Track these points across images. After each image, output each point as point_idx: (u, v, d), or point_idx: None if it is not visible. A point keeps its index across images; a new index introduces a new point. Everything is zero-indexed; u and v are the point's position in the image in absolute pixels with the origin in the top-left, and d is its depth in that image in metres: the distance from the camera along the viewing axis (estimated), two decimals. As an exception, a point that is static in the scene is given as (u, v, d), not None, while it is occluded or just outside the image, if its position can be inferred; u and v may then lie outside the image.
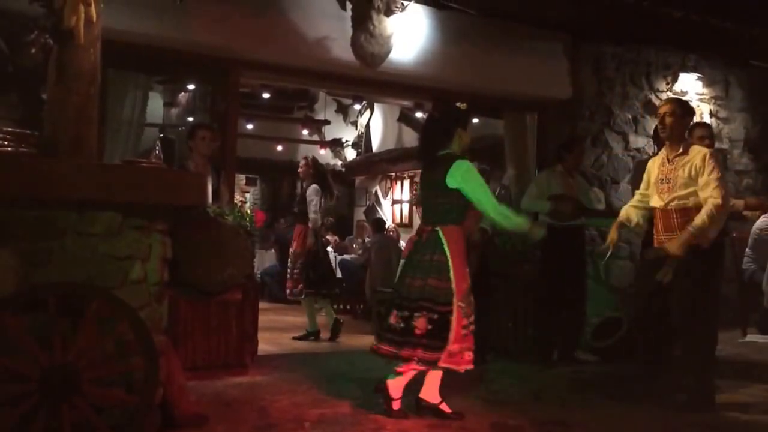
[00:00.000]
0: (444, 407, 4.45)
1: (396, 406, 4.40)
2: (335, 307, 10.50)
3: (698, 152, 4.77)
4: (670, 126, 4.84)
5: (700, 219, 4.59)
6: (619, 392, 5.15)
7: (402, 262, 4.65)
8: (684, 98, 7.88)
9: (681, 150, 4.83)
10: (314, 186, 7.64)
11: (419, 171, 11.79)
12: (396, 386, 4.41)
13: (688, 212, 4.72)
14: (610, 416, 4.67)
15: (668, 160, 4.87)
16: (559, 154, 6.62)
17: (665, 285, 4.71)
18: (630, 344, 6.35)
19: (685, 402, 4.78)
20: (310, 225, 7.55)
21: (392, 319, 4.39)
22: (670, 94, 7.98)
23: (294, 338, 7.61)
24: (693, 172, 4.70)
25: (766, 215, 7.23)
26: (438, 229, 4.38)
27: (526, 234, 4.62)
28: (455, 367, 4.30)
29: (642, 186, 5.12)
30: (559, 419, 4.55)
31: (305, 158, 8.11)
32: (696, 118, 8.06)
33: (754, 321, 7.09)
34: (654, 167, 5.00)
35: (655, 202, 4.90)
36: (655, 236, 4.95)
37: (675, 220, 4.77)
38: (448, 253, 4.30)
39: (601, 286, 7.23)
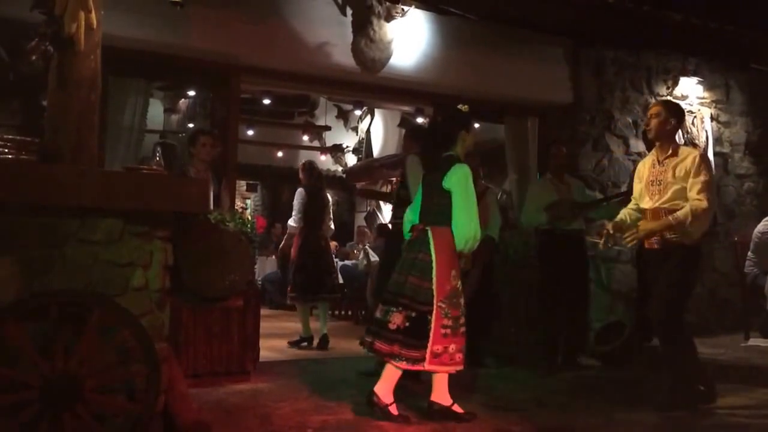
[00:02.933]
0: (456, 408, 4.46)
1: (393, 410, 4.40)
2: (337, 312, 10.55)
3: (689, 153, 4.81)
4: (654, 128, 4.90)
5: (683, 213, 4.65)
6: (623, 397, 5.14)
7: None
8: (684, 102, 7.95)
9: (670, 152, 4.86)
10: (299, 190, 7.57)
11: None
12: (384, 391, 4.43)
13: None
14: (614, 421, 4.66)
15: (659, 161, 4.90)
16: (544, 162, 6.64)
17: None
18: (632, 348, 6.36)
19: (665, 402, 4.77)
20: (288, 230, 7.54)
21: (377, 313, 4.50)
22: (671, 98, 7.98)
23: (289, 343, 7.57)
24: (682, 173, 4.74)
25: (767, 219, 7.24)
26: (428, 229, 4.45)
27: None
28: (444, 368, 4.33)
29: (634, 192, 5.13)
30: (563, 425, 4.54)
31: (302, 164, 8.05)
32: (697, 122, 8.12)
33: (756, 325, 7.09)
34: (644, 169, 5.03)
35: (646, 203, 4.92)
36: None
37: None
38: (433, 254, 4.37)
39: (603, 290, 7.22)
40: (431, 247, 4.38)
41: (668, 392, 4.81)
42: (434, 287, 4.32)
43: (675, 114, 4.95)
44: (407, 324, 4.31)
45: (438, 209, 4.47)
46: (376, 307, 4.58)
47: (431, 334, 4.28)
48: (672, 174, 4.77)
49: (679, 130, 7.75)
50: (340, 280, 10.41)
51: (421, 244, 4.44)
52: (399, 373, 4.43)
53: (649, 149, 5.11)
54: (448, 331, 4.31)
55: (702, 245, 4.92)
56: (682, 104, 8.00)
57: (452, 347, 4.32)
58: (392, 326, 4.34)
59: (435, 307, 4.30)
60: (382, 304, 4.50)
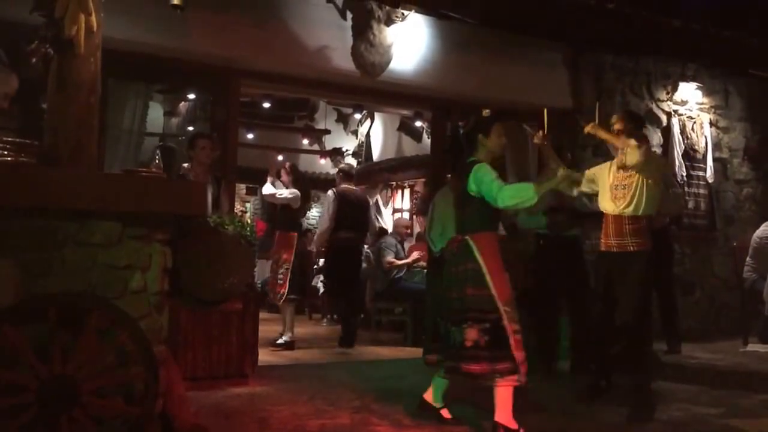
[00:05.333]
0: (445, 413, 4.52)
1: (446, 414, 4.50)
2: (335, 317, 10.54)
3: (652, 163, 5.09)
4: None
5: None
6: (623, 401, 5.14)
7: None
8: (683, 107, 7.98)
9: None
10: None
11: (420, 180, 11.76)
12: (507, 417, 4.21)
13: (639, 219, 4.99)
14: (615, 426, 4.66)
15: (623, 168, 5.06)
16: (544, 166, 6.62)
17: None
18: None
19: (631, 415, 4.80)
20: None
21: (449, 339, 4.27)
22: (671, 104, 8.01)
23: (275, 346, 7.56)
24: (645, 181, 4.95)
25: (767, 224, 7.25)
26: (467, 237, 4.32)
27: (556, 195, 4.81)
28: (523, 380, 4.16)
29: (587, 175, 5.29)
30: (563, 429, 4.54)
31: (284, 166, 8.09)
32: (696, 128, 8.14)
33: (755, 330, 7.08)
34: (604, 173, 5.19)
35: (608, 207, 5.09)
36: (603, 240, 5.17)
37: (627, 226, 4.99)
38: (481, 260, 4.21)
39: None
40: (476, 254, 4.23)
41: (633, 405, 4.86)
42: (494, 292, 4.16)
43: (639, 124, 5.30)
44: (486, 338, 4.10)
45: (471, 217, 4.36)
46: (447, 329, 4.32)
47: (511, 342, 4.11)
48: (638, 179, 4.96)
49: (679, 136, 7.91)
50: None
51: (464, 254, 4.29)
52: (510, 391, 4.18)
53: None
54: (519, 337, 4.16)
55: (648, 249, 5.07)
56: (682, 109, 8.07)
57: (521, 355, 4.15)
58: (468, 343, 4.13)
59: (503, 311, 4.14)
60: (452, 325, 4.26)
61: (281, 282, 7.50)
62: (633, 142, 4.96)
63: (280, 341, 7.56)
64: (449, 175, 6.79)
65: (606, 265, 5.13)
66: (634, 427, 4.62)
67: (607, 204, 5.09)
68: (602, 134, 5.17)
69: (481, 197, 4.28)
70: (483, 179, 4.24)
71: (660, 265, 6.35)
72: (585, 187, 5.29)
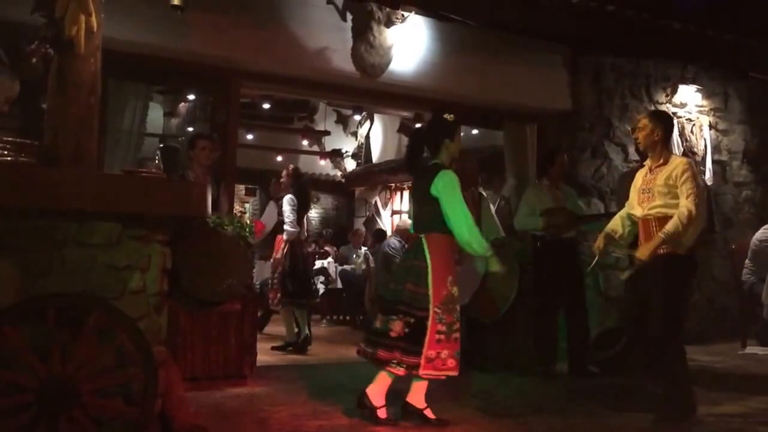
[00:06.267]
0: (429, 413, 4.50)
1: (382, 414, 4.47)
2: (335, 318, 10.56)
3: (679, 162, 4.82)
4: (642, 140, 4.95)
5: (672, 225, 4.62)
6: (621, 403, 5.14)
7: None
8: (683, 110, 7.98)
9: (662, 161, 4.87)
10: (289, 196, 7.50)
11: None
12: (376, 394, 4.50)
13: (666, 221, 4.70)
14: (612, 427, 4.66)
15: (650, 170, 4.94)
16: (543, 167, 6.62)
17: (637, 290, 4.83)
18: (630, 355, 6.35)
19: (660, 413, 4.74)
20: (285, 237, 7.48)
21: (377, 323, 4.51)
22: (670, 106, 8.01)
23: (272, 348, 7.56)
24: (671, 182, 4.74)
25: (766, 227, 7.25)
26: (422, 236, 4.49)
27: (486, 261, 4.66)
28: (436, 373, 4.37)
29: (630, 198, 5.12)
30: (560, 430, 4.54)
31: (286, 169, 7.99)
32: (696, 130, 8.14)
33: (754, 333, 7.09)
34: (639, 178, 5.05)
35: (637, 211, 4.93)
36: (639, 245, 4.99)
37: (654, 229, 4.77)
38: (428, 260, 4.40)
39: (600, 297, 7.22)
40: (426, 253, 4.42)
41: (664, 404, 4.77)
42: (430, 292, 4.35)
43: (660, 123, 4.95)
44: (407, 330, 4.34)
45: (429, 216, 4.51)
46: (375, 317, 4.60)
47: (426, 340, 4.32)
48: (661, 182, 4.78)
49: (677, 138, 7.89)
50: (339, 285, 10.46)
51: (416, 251, 4.49)
52: (391, 379, 4.48)
53: (643, 160, 5.15)
54: (442, 336, 4.35)
55: (695, 254, 4.88)
56: (681, 112, 8.06)
57: (445, 353, 4.35)
58: (393, 334, 4.37)
59: (431, 312, 4.34)
60: (380, 314, 4.53)
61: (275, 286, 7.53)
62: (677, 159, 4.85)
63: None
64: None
65: (640, 273, 4.88)
66: (632, 431, 4.62)
67: (635, 207, 4.93)
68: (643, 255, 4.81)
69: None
70: (453, 195, 4.42)
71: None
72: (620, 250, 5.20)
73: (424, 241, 4.47)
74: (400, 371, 4.39)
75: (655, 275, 4.71)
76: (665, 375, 4.80)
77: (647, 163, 5.01)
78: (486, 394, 5.43)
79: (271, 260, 7.75)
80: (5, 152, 3.33)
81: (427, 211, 4.53)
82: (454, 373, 4.41)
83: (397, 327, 4.36)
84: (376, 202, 13.75)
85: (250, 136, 12.83)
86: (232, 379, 5.40)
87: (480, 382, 5.80)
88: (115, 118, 6.19)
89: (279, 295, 7.45)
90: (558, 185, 6.48)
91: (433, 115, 4.78)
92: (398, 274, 4.58)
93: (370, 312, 8.48)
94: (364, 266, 9.70)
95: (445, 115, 4.71)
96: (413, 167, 4.77)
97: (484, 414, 4.80)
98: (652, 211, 4.78)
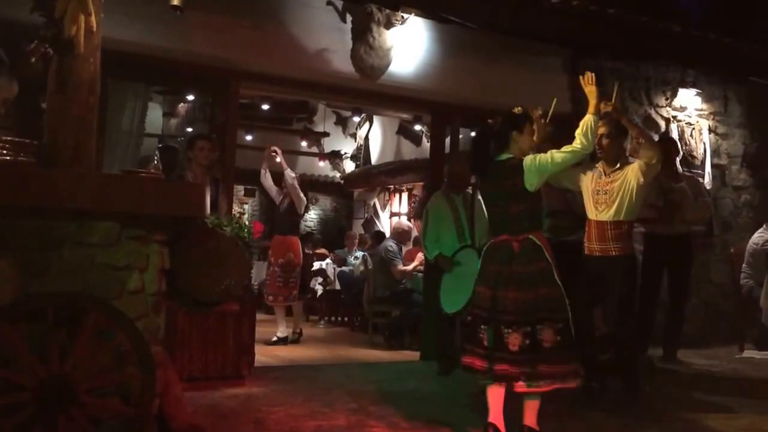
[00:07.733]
0: None
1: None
2: (333, 319, 10.60)
3: (630, 168, 5.16)
4: (606, 147, 5.23)
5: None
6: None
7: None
8: (682, 113, 7.99)
9: (618, 166, 5.20)
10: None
11: (417, 184, 11.72)
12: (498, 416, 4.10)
13: (621, 224, 5.07)
14: (608, 429, 4.66)
15: (605, 173, 5.18)
16: None
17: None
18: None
19: (616, 403, 5.07)
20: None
21: (511, 340, 3.97)
22: (670, 110, 8.02)
23: (267, 344, 7.73)
24: (626, 187, 5.06)
25: (762, 230, 7.25)
26: (531, 236, 4.13)
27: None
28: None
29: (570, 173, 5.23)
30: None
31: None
32: (695, 134, 8.15)
33: (751, 337, 7.09)
34: (587, 178, 5.25)
35: (590, 213, 5.19)
36: (586, 245, 5.25)
37: (609, 231, 5.08)
38: (549, 259, 4.09)
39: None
40: (545, 252, 4.10)
41: (621, 393, 5.20)
42: (564, 291, 4.05)
43: (623, 132, 5.37)
44: (558, 338, 3.96)
45: (528, 215, 4.19)
46: (500, 335, 4.02)
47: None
48: (618, 185, 5.07)
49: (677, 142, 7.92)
50: (337, 286, 10.46)
51: (532, 253, 4.10)
52: (537, 401, 4.08)
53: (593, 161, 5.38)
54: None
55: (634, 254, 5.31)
56: (680, 115, 8.08)
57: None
58: (547, 344, 3.94)
59: (569, 312, 4.04)
60: (505, 327, 4.00)
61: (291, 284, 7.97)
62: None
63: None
64: (445, 179, 6.79)
65: (589, 270, 5.20)
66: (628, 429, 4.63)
67: (589, 210, 5.19)
68: (617, 115, 5.24)
69: (538, 194, 4.22)
70: (542, 157, 4.16)
71: (677, 271, 6.40)
72: (567, 182, 5.31)
73: (537, 241, 4.11)
74: (545, 386, 3.95)
75: (609, 272, 5.08)
76: (622, 365, 5.32)
77: (599, 166, 5.26)
78: (481, 396, 5.42)
79: (280, 261, 7.96)
80: (4, 152, 3.33)
81: (525, 209, 4.18)
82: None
83: (548, 336, 3.95)
84: (374, 204, 13.75)
85: (249, 137, 12.81)
86: (229, 380, 5.41)
87: (473, 384, 5.78)
88: (115, 119, 6.20)
89: (294, 291, 7.96)
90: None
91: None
92: (517, 281, 4.05)
93: (369, 310, 8.60)
94: (362, 268, 9.68)
95: (516, 109, 4.40)
96: (482, 166, 4.39)
97: (478, 416, 4.79)
98: (609, 214, 5.07)
